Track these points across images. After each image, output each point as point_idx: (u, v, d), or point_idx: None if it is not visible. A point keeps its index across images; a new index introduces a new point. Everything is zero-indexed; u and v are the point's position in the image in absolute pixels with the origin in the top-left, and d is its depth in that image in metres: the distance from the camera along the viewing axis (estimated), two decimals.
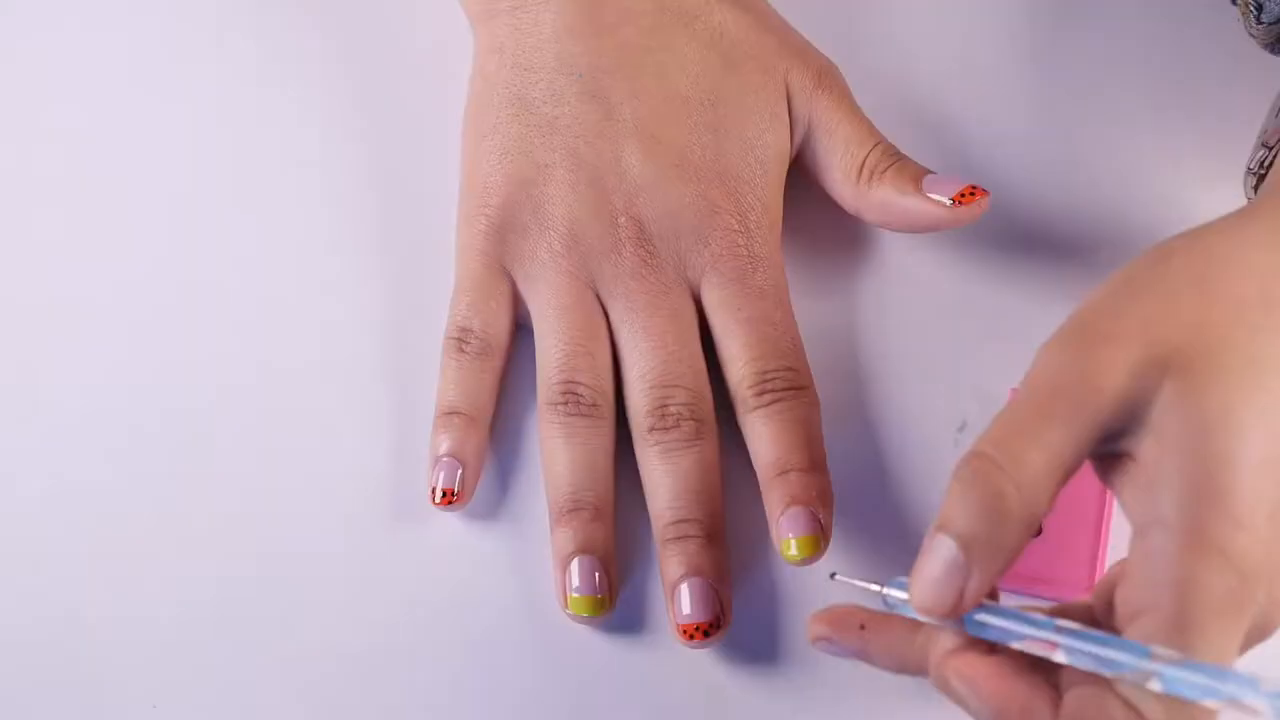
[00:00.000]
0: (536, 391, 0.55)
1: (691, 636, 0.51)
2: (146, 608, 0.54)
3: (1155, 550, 0.40)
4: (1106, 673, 0.40)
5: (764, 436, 0.53)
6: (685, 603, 0.52)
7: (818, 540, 0.52)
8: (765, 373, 0.54)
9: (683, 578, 0.52)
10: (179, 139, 0.61)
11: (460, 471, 0.54)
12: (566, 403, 0.54)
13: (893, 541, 0.54)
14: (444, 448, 0.54)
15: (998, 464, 0.41)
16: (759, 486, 0.54)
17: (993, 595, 0.43)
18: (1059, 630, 0.41)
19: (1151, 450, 0.41)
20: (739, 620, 0.53)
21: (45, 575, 0.54)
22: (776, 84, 0.56)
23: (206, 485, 0.55)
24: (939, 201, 0.54)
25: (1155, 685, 0.40)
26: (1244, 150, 0.54)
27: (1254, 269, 0.42)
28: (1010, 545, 0.41)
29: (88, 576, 0.54)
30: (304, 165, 0.60)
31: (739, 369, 0.54)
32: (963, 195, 0.54)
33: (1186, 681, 0.39)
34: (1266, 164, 0.51)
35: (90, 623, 0.54)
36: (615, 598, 0.53)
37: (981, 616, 0.42)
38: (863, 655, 0.45)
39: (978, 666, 0.42)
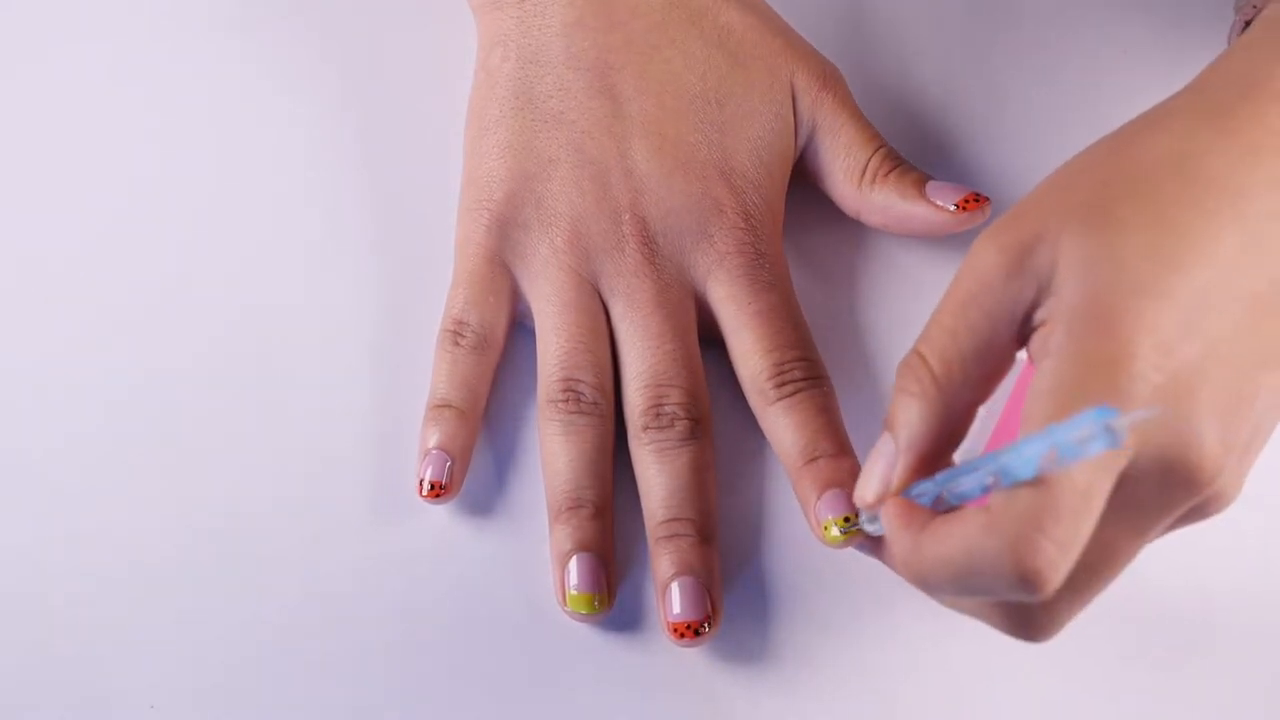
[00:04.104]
0: (536, 388, 0.55)
1: (682, 635, 0.52)
2: (142, 607, 0.54)
3: (1041, 372, 0.41)
4: (973, 498, 0.42)
5: (789, 426, 0.53)
6: (676, 601, 0.52)
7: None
8: (783, 363, 0.54)
9: (674, 576, 0.52)
10: (177, 133, 0.61)
11: (449, 464, 0.54)
12: (567, 400, 0.54)
13: None
14: (434, 440, 0.54)
15: (922, 358, 0.44)
16: (753, 487, 0.54)
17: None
18: (941, 477, 0.44)
19: (1051, 306, 0.42)
20: (732, 619, 0.53)
21: (42, 575, 0.54)
22: (782, 85, 0.56)
23: (198, 482, 0.55)
24: (942, 207, 0.55)
25: (998, 482, 0.41)
26: None
27: (1171, 138, 0.43)
28: (931, 430, 0.44)
29: (85, 576, 0.54)
30: (302, 157, 0.60)
31: (755, 362, 0.54)
32: (966, 202, 0.55)
33: (1018, 462, 0.40)
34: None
35: (87, 623, 0.54)
36: (614, 596, 0.53)
37: (913, 490, 0.45)
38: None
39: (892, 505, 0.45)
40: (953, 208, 0.55)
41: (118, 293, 0.58)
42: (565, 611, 0.53)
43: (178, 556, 0.54)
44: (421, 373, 0.55)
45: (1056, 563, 0.40)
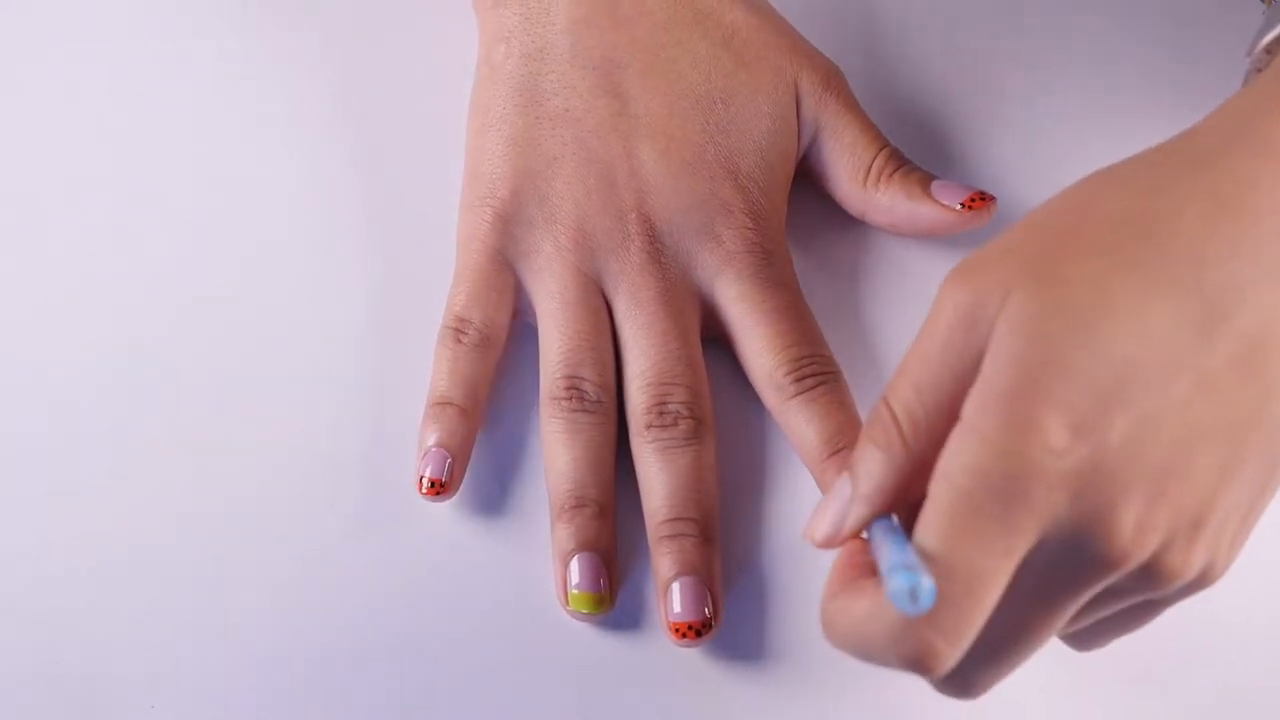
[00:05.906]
0: (539, 386, 0.54)
1: (683, 635, 0.51)
2: (142, 607, 0.53)
3: (949, 443, 0.40)
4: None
5: (810, 418, 0.53)
6: (677, 601, 0.51)
7: None
8: (801, 359, 0.53)
9: (675, 576, 0.52)
10: (176, 133, 0.61)
11: (449, 462, 0.53)
12: (570, 398, 0.53)
13: None
14: (434, 438, 0.53)
15: (890, 411, 0.42)
16: (754, 488, 0.54)
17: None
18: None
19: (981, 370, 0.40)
20: (733, 620, 0.52)
21: (42, 575, 0.54)
22: (787, 86, 0.56)
23: (198, 481, 0.55)
24: (948, 206, 0.55)
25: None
26: None
27: (1139, 193, 0.41)
28: (892, 485, 0.42)
29: (84, 576, 0.54)
30: (302, 155, 0.60)
31: (771, 358, 0.54)
32: (972, 200, 0.55)
33: (878, 538, 0.41)
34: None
35: (87, 623, 0.53)
36: (616, 595, 0.53)
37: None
38: None
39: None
40: (959, 206, 0.55)
41: (118, 292, 0.58)
42: (567, 611, 0.52)
43: (178, 556, 0.54)
44: (421, 370, 0.55)
45: (943, 652, 0.39)
